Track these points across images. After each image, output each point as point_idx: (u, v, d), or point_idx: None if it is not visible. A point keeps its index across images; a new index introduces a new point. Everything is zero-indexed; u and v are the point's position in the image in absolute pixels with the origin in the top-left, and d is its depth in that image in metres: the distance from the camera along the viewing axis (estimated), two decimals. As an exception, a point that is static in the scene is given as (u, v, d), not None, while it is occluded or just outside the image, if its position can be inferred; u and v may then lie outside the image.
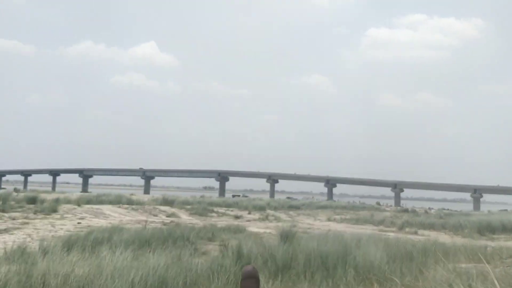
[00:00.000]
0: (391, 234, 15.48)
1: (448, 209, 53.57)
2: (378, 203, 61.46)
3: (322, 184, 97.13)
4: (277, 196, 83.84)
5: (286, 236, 9.89)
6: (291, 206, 36.73)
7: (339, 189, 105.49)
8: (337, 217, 27.98)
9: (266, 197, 71.58)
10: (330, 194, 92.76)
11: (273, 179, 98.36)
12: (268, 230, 15.73)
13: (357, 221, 23.89)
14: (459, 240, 14.27)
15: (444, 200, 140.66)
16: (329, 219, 25.66)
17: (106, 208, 22.24)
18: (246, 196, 69.25)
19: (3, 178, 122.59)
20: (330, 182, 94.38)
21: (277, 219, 23.91)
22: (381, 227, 21.26)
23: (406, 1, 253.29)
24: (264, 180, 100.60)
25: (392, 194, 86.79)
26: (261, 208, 30.39)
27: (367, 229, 18.13)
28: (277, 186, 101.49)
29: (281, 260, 6.95)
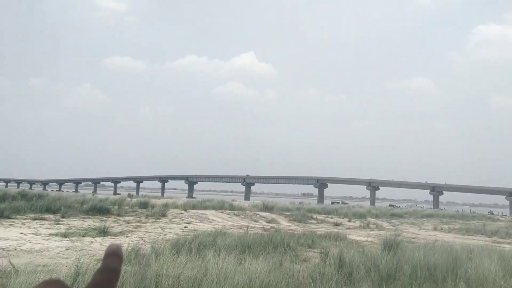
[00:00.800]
0: (507, 246, 14.08)
1: None
2: (490, 212, 56.68)
3: (427, 191, 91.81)
4: (377, 204, 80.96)
5: (390, 245, 9.49)
6: (393, 214, 35.20)
7: (445, 196, 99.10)
8: (445, 226, 26.16)
9: (366, 204, 69.39)
10: (436, 202, 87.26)
11: (373, 186, 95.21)
12: (369, 239, 15.24)
13: (467, 231, 22.10)
14: None
15: None
16: (435, 229, 24.09)
17: (210, 213, 23.21)
18: (346, 203, 67.87)
19: (118, 185, 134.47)
20: (436, 190, 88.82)
21: (379, 227, 23.04)
22: (494, 238, 19.45)
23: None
24: (364, 187, 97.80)
25: (507, 202, 79.14)
26: (361, 216, 29.56)
27: (478, 240, 16.71)
28: (378, 193, 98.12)
29: (385, 270, 6.68)
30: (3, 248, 8.85)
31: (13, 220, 14.69)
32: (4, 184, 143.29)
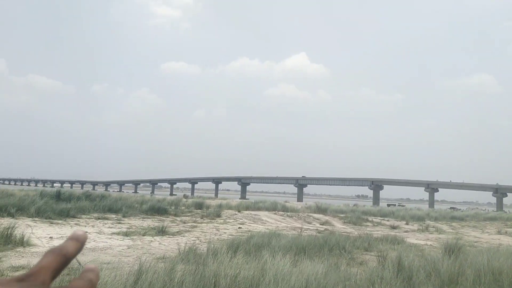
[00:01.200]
0: None
1: None
2: None
3: (490, 193, 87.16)
4: (436, 206, 77.94)
5: (451, 249, 9.14)
6: (454, 217, 33.72)
7: (510, 198, 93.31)
8: (509, 230, 24.73)
9: (425, 206, 66.96)
10: (499, 204, 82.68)
11: (432, 187, 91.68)
12: (429, 242, 14.73)
13: (535, 236, 20.78)
14: None
15: None
16: (499, 232, 22.82)
17: (263, 214, 23.34)
18: (403, 205, 65.83)
19: (174, 186, 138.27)
20: (500, 191, 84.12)
21: (438, 230, 22.18)
22: None
23: None
24: (422, 188, 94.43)
25: None
26: (419, 219, 28.57)
27: (550, 246, 15.66)
28: (437, 195, 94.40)
29: (446, 274, 6.44)
30: (70, 246, 9.37)
31: (78, 219, 15.52)
32: (69, 185, 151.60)
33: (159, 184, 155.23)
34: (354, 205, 47.13)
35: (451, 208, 64.75)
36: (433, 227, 24.01)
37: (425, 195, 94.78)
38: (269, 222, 20.63)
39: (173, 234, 12.96)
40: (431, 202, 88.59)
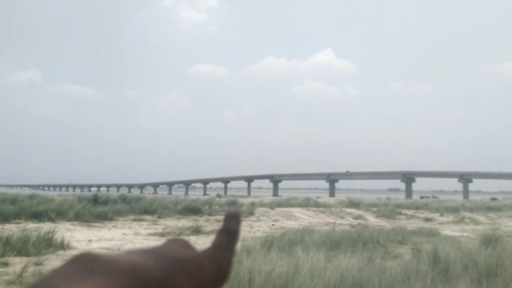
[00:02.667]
0: None
1: None
2: None
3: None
4: (471, 197, 75.93)
5: (488, 240, 8.97)
6: (490, 207, 32.77)
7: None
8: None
9: (459, 198, 65.33)
10: (541, 193, 79.71)
11: (466, 178, 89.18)
12: (465, 234, 14.44)
13: None
14: None
15: None
16: (541, 222, 22.12)
17: (296, 211, 23.37)
18: (436, 197, 64.46)
19: (207, 186, 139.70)
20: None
21: (474, 221, 21.68)
22: None
23: None
24: (455, 180, 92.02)
25: None
26: (454, 210, 27.93)
27: None
28: (471, 186, 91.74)
29: (484, 266, 6.35)
30: (108, 248, 9.70)
31: (115, 221, 15.99)
32: (106, 189, 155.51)
33: (192, 184, 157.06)
34: (387, 198, 46.51)
35: (493, 198, 62.86)
36: (469, 218, 23.47)
37: (459, 186, 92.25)
38: (302, 218, 20.66)
39: (208, 233, 13.18)
40: (466, 193, 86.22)
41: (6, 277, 6.13)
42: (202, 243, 10.95)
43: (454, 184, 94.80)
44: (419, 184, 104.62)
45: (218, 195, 46.13)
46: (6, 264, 7.18)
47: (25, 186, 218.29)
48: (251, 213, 20.86)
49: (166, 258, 0.41)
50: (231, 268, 0.45)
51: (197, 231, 13.07)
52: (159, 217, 17.86)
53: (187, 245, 0.45)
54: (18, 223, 13.90)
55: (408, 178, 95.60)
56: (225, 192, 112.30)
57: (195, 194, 72.80)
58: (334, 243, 9.12)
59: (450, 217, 23.55)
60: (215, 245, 0.46)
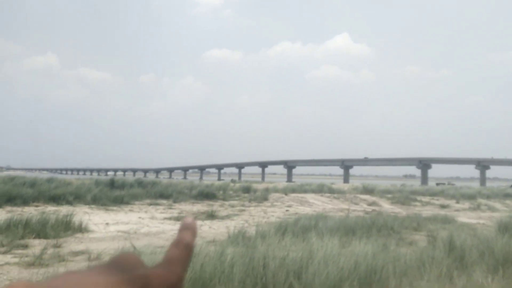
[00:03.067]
0: None
1: None
2: None
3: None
4: (488, 184, 75.01)
5: (505, 227, 8.87)
6: (508, 194, 32.33)
7: None
8: None
9: (475, 185, 64.57)
10: (561, 181, 78.30)
11: (483, 165, 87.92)
12: (481, 221, 14.31)
13: None
14: None
15: None
16: (559, 209, 21.79)
17: (310, 197, 23.39)
18: (452, 184, 63.82)
19: (222, 171, 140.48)
20: (560, 167, 79.58)
21: (491, 208, 21.44)
22: None
23: None
24: (472, 166, 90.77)
25: None
26: (470, 197, 27.63)
27: None
28: (489, 173, 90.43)
29: (500, 253, 6.29)
30: (125, 231, 9.85)
31: (131, 205, 16.21)
32: (122, 173, 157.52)
33: (207, 169, 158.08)
34: (402, 185, 46.17)
35: (511, 186, 61.93)
36: (485, 205, 23.23)
37: (475, 173, 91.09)
38: (316, 204, 20.67)
39: (222, 218, 13.29)
40: (483, 180, 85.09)
41: (26, 259, 6.28)
42: (216, 227, 11.05)
43: (471, 171, 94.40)
44: (435, 171, 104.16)
45: (233, 181, 46.32)
46: (26, 246, 7.36)
47: (43, 169, 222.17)
48: (265, 199, 20.95)
49: (112, 278, 0.38)
50: (182, 285, 0.42)
51: (211, 216, 13.18)
52: (174, 202, 18.06)
53: (136, 261, 0.43)
54: (37, 206, 14.19)
55: (424, 164, 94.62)
56: (239, 177, 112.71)
57: (210, 179, 73.32)
58: (348, 229, 9.10)
59: (466, 204, 23.33)
60: (166, 260, 0.43)
